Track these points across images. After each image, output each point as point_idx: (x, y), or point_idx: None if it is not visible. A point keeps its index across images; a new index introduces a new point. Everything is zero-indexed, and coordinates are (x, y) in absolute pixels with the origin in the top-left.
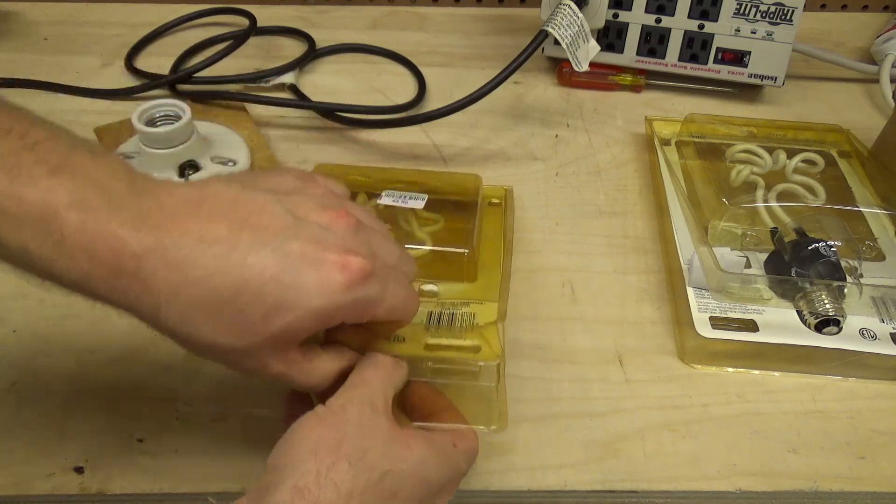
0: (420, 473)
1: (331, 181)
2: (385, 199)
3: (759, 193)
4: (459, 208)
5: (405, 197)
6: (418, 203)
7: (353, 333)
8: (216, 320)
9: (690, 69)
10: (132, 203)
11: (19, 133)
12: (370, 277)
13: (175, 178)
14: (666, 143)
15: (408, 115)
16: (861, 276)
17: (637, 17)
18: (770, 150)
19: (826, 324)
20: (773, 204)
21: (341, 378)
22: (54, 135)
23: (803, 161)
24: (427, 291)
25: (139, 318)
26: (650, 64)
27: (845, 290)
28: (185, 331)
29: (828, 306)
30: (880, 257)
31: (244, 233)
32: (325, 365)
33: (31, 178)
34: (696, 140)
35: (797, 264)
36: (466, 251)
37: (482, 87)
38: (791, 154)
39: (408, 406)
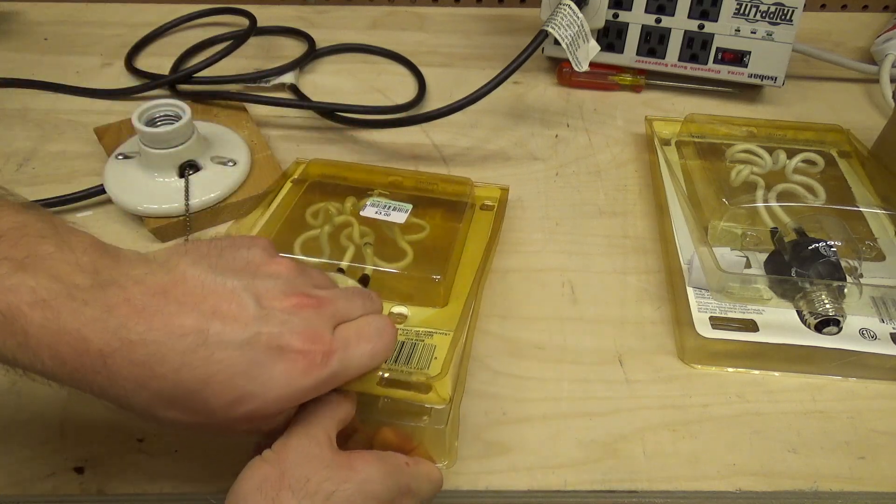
0: (367, 490)
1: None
2: (368, 211)
3: (759, 193)
4: (448, 212)
5: (388, 208)
6: (400, 216)
7: None
8: (181, 407)
9: (690, 69)
10: (97, 298)
11: None
12: (331, 356)
13: (175, 177)
14: (666, 143)
15: (408, 115)
16: (861, 276)
17: (637, 17)
18: (770, 150)
19: (826, 324)
20: (773, 204)
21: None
22: (21, 223)
23: (803, 161)
24: (396, 314)
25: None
26: (650, 64)
27: (845, 290)
28: (151, 414)
29: (828, 306)
30: (880, 257)
31: (213, 324)
32: (287, 412)
33: None
34: (696, 140)
35: (797, 264)
36: (439, 278)
37: (482, 87)
38: (791, 154)
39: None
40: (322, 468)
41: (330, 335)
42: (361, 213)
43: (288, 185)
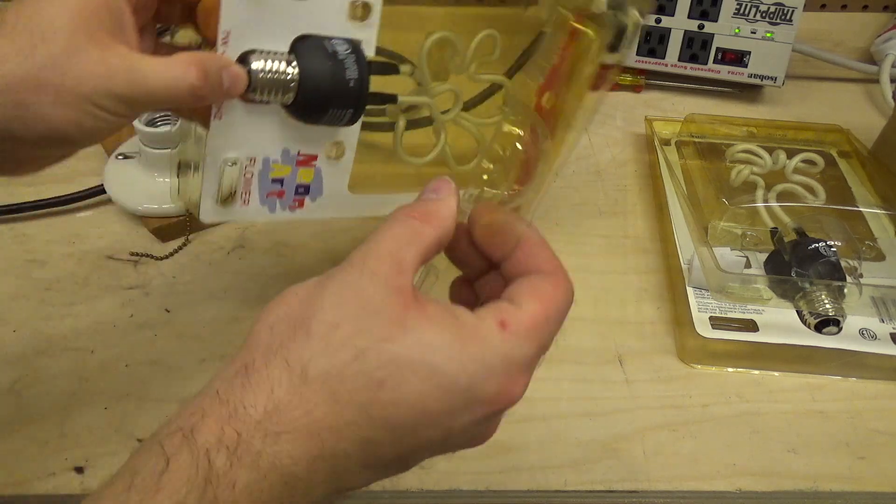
0: (422, 359)
1: None
2: None
3: (759, 193)
4: None
5: None
6: None
7: None
8: None
9: (690, 69)
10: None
11: None
12: None
13: (175, 177)
14: (666, 143)
15: None
16: (861, 276)
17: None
18: (770, 150)
19: (826, 324)
20: (773, 204)
21: None
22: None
23: (803, 161)
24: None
25: None
26: (650, 64)
27: (845, 290)
28: None
29: (828, 306)
30: (880, 257)
31: None
32: None
33: None
34: (696, 140)
35: (797, 264)
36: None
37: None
38: (791, 154)
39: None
40: (364, 316)
41: None
42: None
43: None
